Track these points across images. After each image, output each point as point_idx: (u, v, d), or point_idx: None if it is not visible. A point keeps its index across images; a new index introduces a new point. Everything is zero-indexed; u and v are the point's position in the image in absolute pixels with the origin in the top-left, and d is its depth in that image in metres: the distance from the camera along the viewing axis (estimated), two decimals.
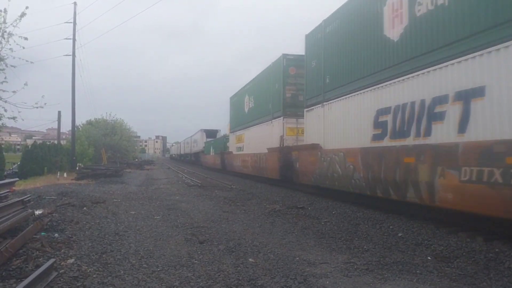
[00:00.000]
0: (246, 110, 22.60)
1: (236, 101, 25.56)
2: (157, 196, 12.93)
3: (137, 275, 4.55)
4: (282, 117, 16.05)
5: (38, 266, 4.44)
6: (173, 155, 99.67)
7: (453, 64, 6.79)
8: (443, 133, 6.92)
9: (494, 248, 5.82)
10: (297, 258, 5.43)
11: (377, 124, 9.01)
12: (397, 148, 8.13)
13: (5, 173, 25.57)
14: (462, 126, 6.48)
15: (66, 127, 49.36)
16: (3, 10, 13.57)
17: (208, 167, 37.38)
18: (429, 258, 5.57)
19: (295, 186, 15.13)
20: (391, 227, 7.67)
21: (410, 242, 6.51)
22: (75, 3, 28.03)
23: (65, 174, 22.85)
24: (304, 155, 13.23)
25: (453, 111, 6.71)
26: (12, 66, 14.00)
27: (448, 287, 4.37)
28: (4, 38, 13.60)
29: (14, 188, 11.91)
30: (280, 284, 4.33)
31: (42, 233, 6.17)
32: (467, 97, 6.41)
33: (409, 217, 8.28)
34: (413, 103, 7.75)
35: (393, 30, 8.45)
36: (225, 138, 29.79)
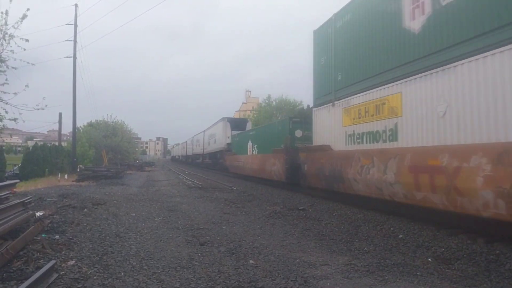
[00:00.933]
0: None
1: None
2: (158, 198, 12.93)
3: (138, 277, 4.55)
4: None
5: (38, 268, 4.45)
6: (177, 157, 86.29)
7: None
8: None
9: (495, 250, 5.81)
10: (298, 260, 5.42)
11: None
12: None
13: (6, 174, 25.61)
14: None
15: (67, 128, 49.72)
16: (4, 12, 13.62)
17: (242, 175, 23.47)
18: (429, 260, 5.57)
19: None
20: (391, 228, 7.66)
21: (411, 244, 6.50)
22: (76, 5, 28.16)
23: (66, 176, 22.87)
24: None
25: None
26: (13, 67, 14.04)
27: None
28: (5, 40, 13.63)
29: (15, 189, 11.91)
30: (281, 286, 4.33)
31: (43, 235, 6.18)
32: None
33: (409, 219, 8.27)
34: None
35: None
36: (290, 121, 16.17)
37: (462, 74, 6.63)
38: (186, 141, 64.01)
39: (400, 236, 7.08)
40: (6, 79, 14.06)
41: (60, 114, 33.81)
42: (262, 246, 6.24)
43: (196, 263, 5.23)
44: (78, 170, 26.72)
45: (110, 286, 4.22)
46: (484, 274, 4.90)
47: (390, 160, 8.34)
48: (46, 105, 14.86)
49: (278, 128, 17.63)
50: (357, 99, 10.19)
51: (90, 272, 4.59)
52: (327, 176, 11.47)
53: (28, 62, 14.36)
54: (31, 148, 30.19)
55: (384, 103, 9.00)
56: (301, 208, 10.42)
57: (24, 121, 14.64)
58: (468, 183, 6.19)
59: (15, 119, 14.34)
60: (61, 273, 4.43)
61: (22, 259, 4.83)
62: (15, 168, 31.14)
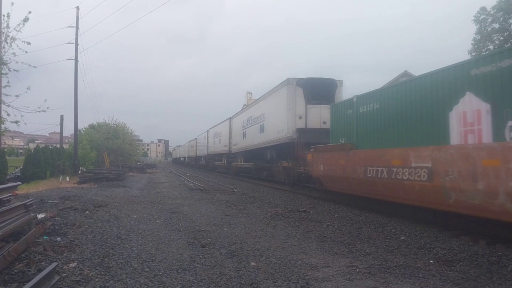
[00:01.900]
0: None
1: None
2: (159, 200, 12.94)
3: (139, 279, 4.55)
4: None
5: (40, 270, 4.44)
6: (181, 159, 76.81)
7: None
8: None
9: (497, 252, 5.80)
10: (299, 262, 5.42)
11: None
12: None
13: (8, 177, 25.63)
14: None
15: (68, 131, 49.83)
16: (6, 15, 13.69)
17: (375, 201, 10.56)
18: (431, 261, 5.56)
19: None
20: (393, 230, 7.65)
21: (413, 245, 6.49)
22: (77, 8, 28.23)
23: (67, 178, 22.88)
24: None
25: None
26: (15, 70, 14.13)
27: None
28: (7, 43, 13.72)
29: (16, 192, 11.96)
30: None
31: (45, 237, 6.18)
32: None
33: (411, 221, 8.26)
34: None
35: None
36: None
37: None
38: (196, 139, 51.03)
39: (402, 237, 7.07)
40: (8, 82, 14.15)
41: (62, 117, 33.97)
42: (263, 248, 6.23)
43: (198, 265, 5.22)
44: (79, 172, 26.73)
45: None
46: (486, 275, 4.88)
47: None
48: (47, 108, 14.97)
49: None
50: None
51: (92, 274, 4.59)
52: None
53: (30, 65, 14.46)
54: (32, 150, 30.21)
55: None
56: (303, 210, 10.41)
57: (25, 124, 14.77)
58: None
59: (16, 122, 14.44)
60: (63, 275, 4.43)
61: (24, 261, 4.84)
62: (16, 170, 31.19)
